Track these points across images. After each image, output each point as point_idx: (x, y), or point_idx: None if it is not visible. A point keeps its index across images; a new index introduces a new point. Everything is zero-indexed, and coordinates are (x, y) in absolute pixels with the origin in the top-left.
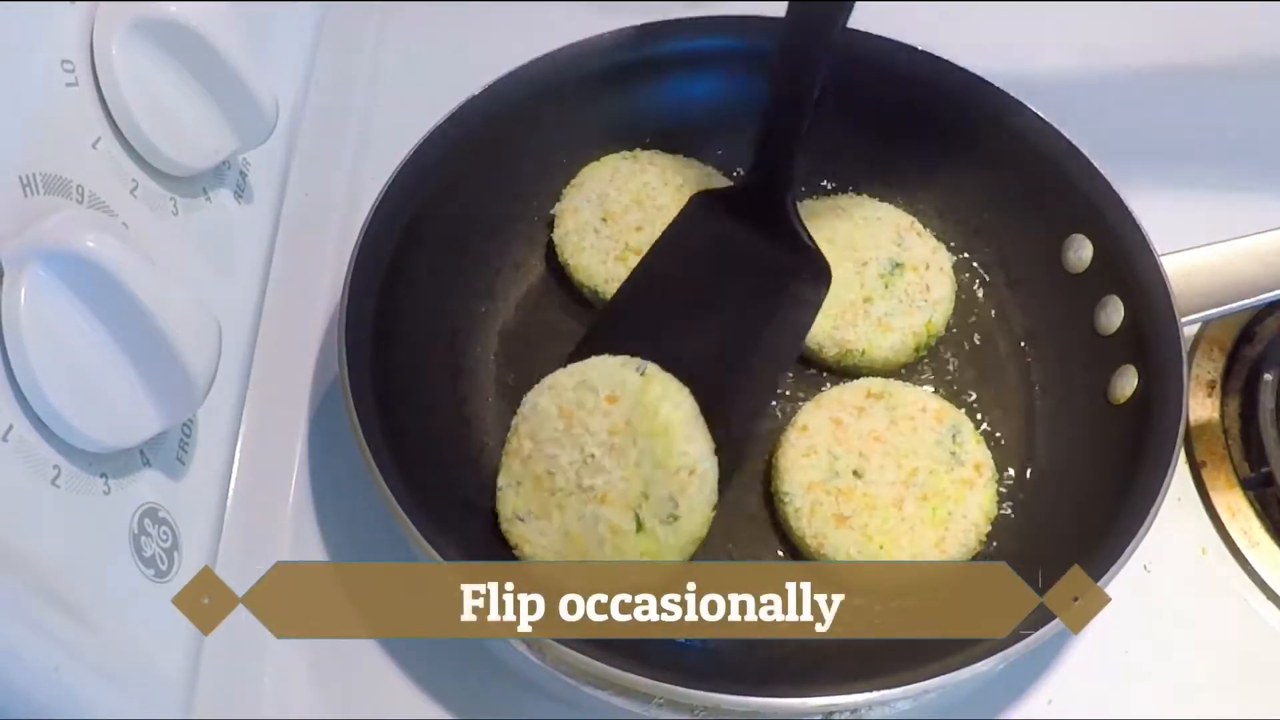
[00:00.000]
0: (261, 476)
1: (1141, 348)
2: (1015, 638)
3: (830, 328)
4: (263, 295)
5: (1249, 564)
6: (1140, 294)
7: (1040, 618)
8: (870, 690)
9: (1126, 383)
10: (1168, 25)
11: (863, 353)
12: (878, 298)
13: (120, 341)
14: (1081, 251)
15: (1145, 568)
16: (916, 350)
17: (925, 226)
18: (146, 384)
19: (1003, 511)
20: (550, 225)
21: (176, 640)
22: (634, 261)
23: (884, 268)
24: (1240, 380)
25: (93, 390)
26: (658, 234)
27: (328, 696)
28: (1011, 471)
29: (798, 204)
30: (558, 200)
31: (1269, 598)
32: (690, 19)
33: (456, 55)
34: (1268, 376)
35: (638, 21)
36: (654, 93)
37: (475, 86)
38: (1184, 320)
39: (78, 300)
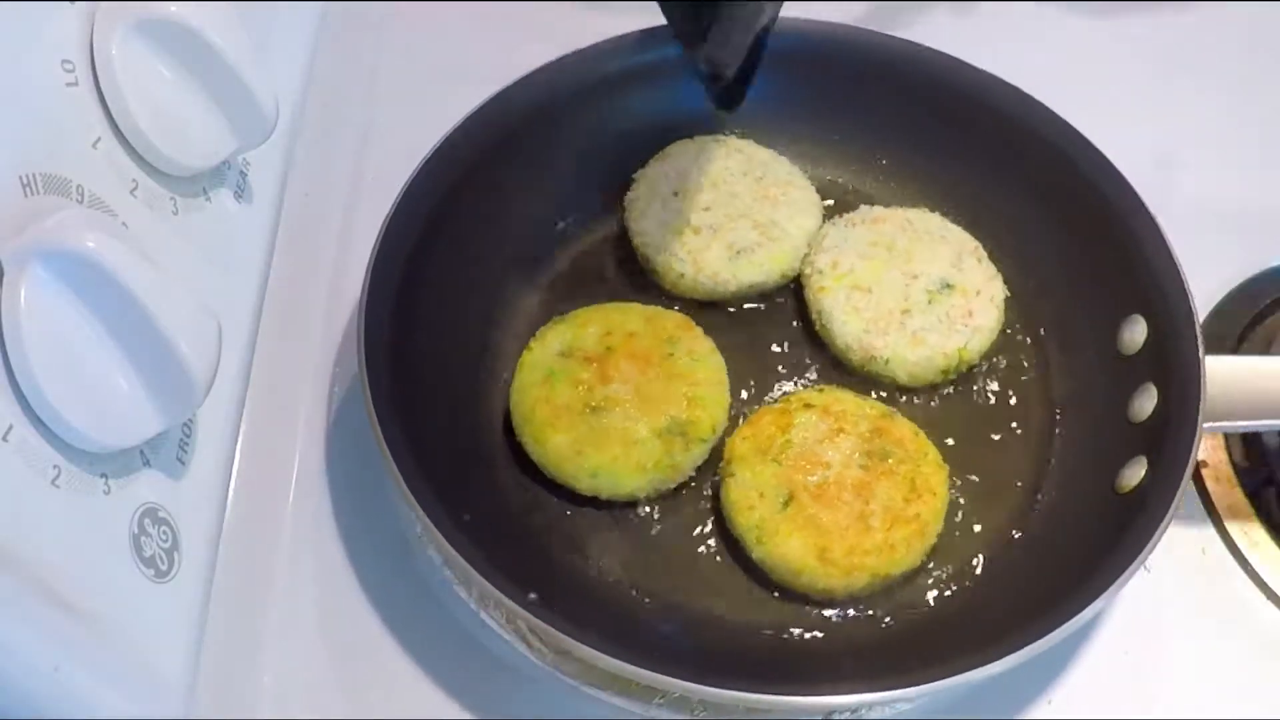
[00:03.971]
0: (261, 476)
1: (1158, 443)
2: (1014, 645)
3: (861, 330)
4: (263, 295)
5: (1249, 564)
6: (1177, 390)
7: (1040, 628)
8: (870, 691)
9: (1134, 474)
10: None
11: (886, 362)
12: (917, 312)
13: (120, 341)
14: (1136, 334)
15: (1145, 568)
16: (943, 373)
17: (990, 257)
18: (146, 384)
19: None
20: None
21: (176, 640)
22: (690, 238)
23: (933, 284)
24: None
25: (93, 390)
26: (724, 217)
27: (327, 696)
28: (997, 531)
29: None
30: (627, 185)
31: (1269, 598)
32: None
33: (456, 56)
34: None
35: (639, 23)
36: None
37: (477, 85)
38: (1207, 426)
39: (78, 300)
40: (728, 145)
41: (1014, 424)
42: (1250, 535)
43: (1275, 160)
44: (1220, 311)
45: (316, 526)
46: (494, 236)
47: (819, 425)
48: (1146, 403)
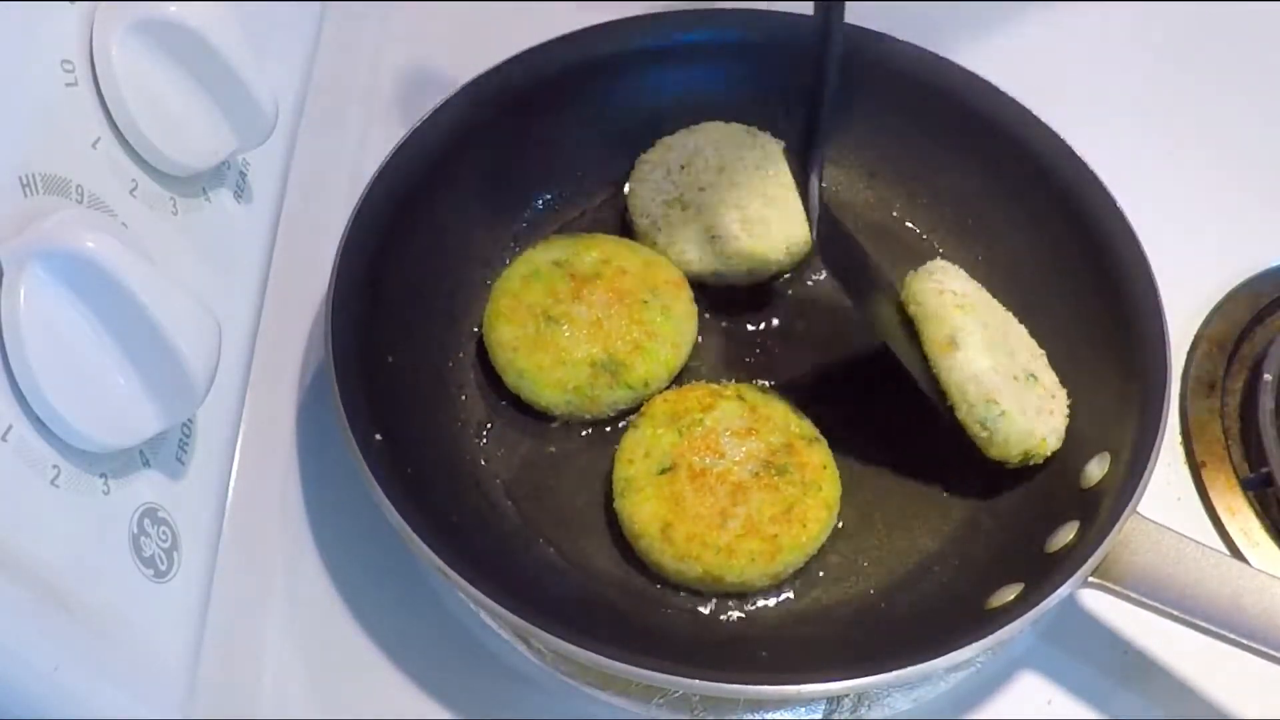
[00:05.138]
0: (261, 476)
1: (1041, 578)
2: (983, 631)
3: (989, 367)
4: (263, 295)
5: (1249, 564)
6: (1092, 536)
7: (1011, 613)
8: (860, 676)
9: (1006, 592)
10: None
11: (1001, 414)
12: (1023, 387)
13: (120, 341)
14: (1096, 471)
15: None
16: (1023, 455)
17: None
18: (146, 384)
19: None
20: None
21: (176, 640)
22: (675, 211)
23: (1021, 370)
24: (1240, 380)
25: (93, 390)
26: (715, 201)
27: (327, 696)
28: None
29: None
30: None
31: None
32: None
33: (456, 55)
34: (1268, 376)
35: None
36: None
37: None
38: (1088, 582)
39: (78, 300)
40: (756, 140)
41: (943, 493)
42: (1250, 535)
43: (1276, 159)
44: (1220, 311)
45: (316, 526)
46: (473, 213)
47: (737, 419)
48: (1065, 535)
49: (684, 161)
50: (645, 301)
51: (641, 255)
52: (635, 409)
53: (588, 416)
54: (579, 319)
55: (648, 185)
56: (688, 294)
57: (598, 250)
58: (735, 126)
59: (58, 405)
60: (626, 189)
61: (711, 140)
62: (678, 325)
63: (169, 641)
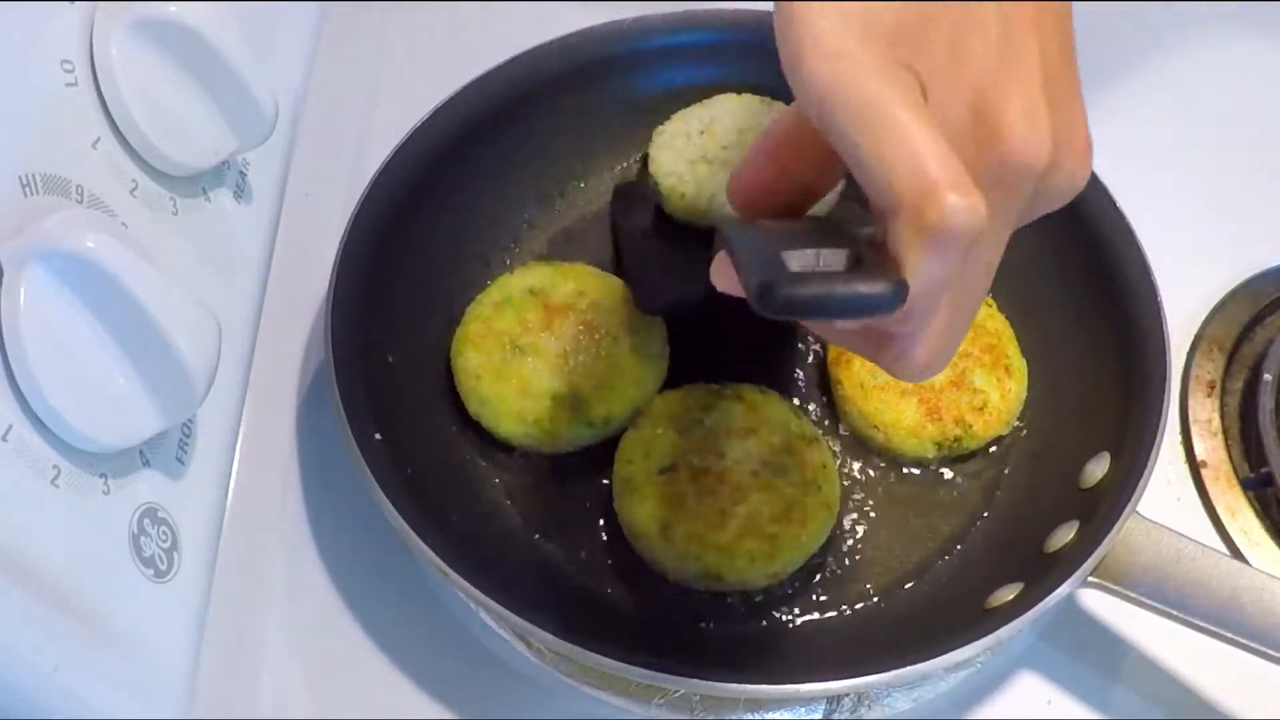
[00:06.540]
0: (261, 476)
1: (1043, 578)
2: (983, 631)
3: None
4: (263, 295)
5: (1248, 564)
6: (1090, 535)
7: (1011, 613)
8: (860, 676)
9: (1005, 592)
10: None
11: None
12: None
13: (120, 341)
14: (1097, 471)
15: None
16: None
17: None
18: (146, 384)
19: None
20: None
21: (176, 640)
22: (700, 166)
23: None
24: (1240, 380)
25: (93, 390)
26: (737, 155)
27: (327, 696)
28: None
29: None
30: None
31: None
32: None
33: (457, 55)
34: (1268, 376)
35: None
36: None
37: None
38: (1087, 582)
39: (78, 300)
40: (771, 108)
41: (943, 493)
42: (1250, 535)
43: (1276, 160)
44: (1220, 311)
45: (316, 526)
46: (476, 214)
47: (737, 418)
48: (1064, 534)
49: (703, 128)
50: (615, 338)
51: (618, 291)
52: (598, 445)
53: (545, 450)
54: (546, 350)
55: (669, 151)
56: (661, 333)
57: (575, 282)
58: (749, 96)
59: (58, 405)
60: (650, 160)
61: (727, 109)
62: (647, 365)
63: (169, 641)
